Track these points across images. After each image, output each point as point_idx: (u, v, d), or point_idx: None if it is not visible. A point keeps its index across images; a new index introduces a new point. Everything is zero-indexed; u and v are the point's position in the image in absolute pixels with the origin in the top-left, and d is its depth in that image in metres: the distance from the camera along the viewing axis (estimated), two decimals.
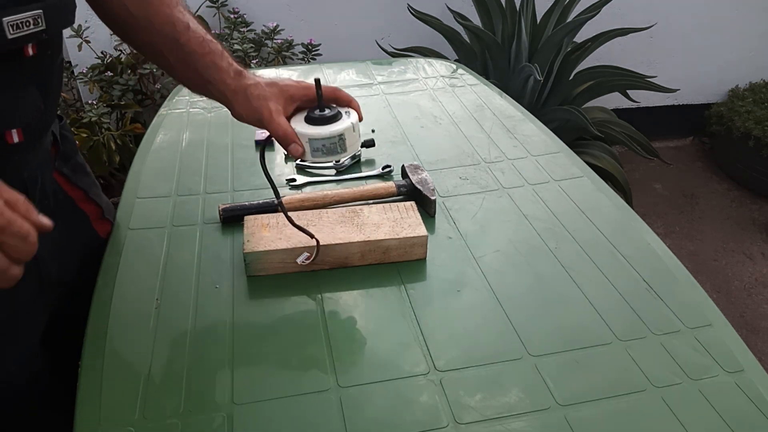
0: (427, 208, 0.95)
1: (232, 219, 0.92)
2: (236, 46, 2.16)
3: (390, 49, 2.52)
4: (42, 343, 0.81)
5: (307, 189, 1.03)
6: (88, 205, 0.91)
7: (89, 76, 2.15)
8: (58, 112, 0.85)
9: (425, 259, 0.87)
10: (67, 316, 0.81)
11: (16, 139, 0.69)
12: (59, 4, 0.69)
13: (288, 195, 0.96)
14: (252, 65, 2.16)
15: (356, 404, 0.66)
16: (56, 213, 0.81)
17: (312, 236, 0.81)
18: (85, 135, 2.01)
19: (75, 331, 0.76)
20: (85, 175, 0.93)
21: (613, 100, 2.66)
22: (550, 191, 1.02)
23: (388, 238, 0.84)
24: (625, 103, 2.70)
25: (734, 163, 2.82)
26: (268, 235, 0.84)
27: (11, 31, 0.62)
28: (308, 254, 0.82)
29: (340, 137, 0.75)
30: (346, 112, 0.77)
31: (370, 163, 1.10)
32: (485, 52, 2.38)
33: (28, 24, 0.64)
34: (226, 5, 2.36)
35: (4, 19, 0.61)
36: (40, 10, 0.64)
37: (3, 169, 0.71)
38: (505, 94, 1.37)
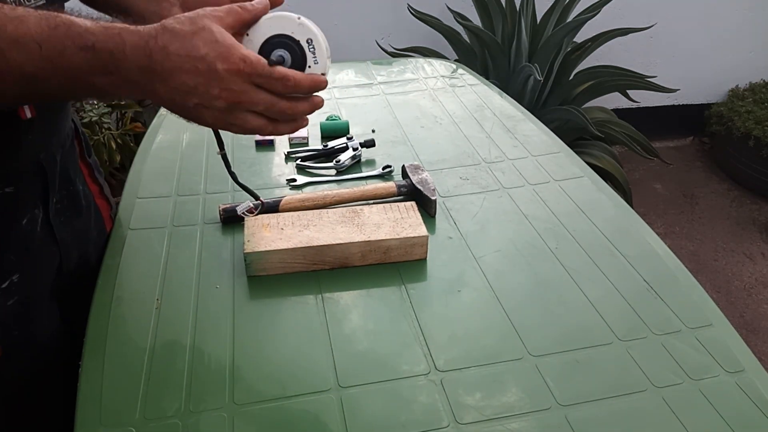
0: (427, 208, 0.95)
1: (233, 219, 0.92)
2: None
3: (390, 49, 2.52)
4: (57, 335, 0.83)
5: (308, 189, 1.03)
6: (102, 201, 0.94)
7: None
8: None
9: (426, 259, 0.87)
10: (79, 309, 0.81)
11: (28, 115, 0.70)
12: None
13: (288, 195, 0.96)
14: None
15: (356, 404, 0.66)
16: (80, 202, 0.84)
17: (257, 197, 0.87)
18: None
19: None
20: (99, 173, 0.96)
21: (613, 100, 2.66)
22: (551, 191, 1.02)
23: (388, 238, 0.84)
24: (625, 103, 2.71)
25: (734, 163, 2.83)
26: (269, 235, 0.84)
27: (27, 1, 0.64)
28: (251, 205, 0.85)
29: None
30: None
31: (371, 163, 1.10)
32: (485, 52, 2.38)
33: None
34: None
35: None
36: None
37: (18, 149, 0.73)
38: (505, 94, 1.37)
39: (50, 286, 0.81)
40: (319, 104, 0.65)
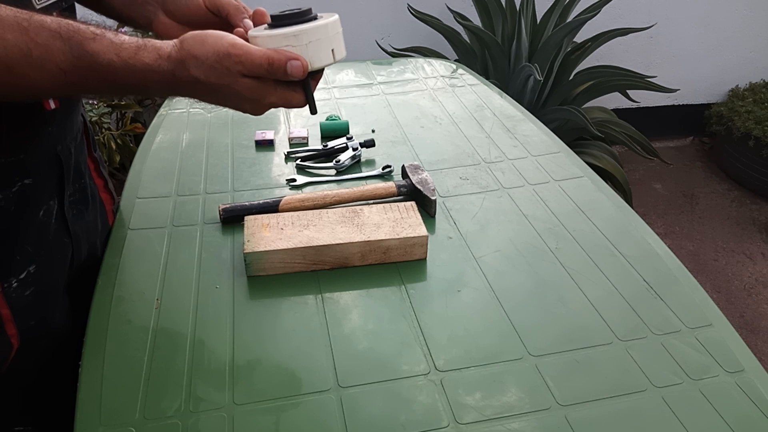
0: (427, 208, 0.95)
1: (233, 219, 0.92)
2: None
3: (390, 49, 2.52)
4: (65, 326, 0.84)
5: (308, 189, 1.03)
6: (106, 195, 0.95)
7: None
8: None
9: (425, 259, 0.87)
10: (86, 303, 0.82)
11: (52, 106, 0.72)
12: None
13: (288, 195, 0.96)
14: None
15: (356, 404, 0.66)
16: (88, 195, 0.85)
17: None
18: None
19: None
20: (104, 168, 0.97)
21: (613, 100, 2.66)
22: (551, 191, 1.02)
23: (388, 238, 0.84)
24: (625, 103, 2.71)
25: (734, 163, 2.83)
26: (269, 235, 0.84)
27: (38, 1, 0.66)
28: None
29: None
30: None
31: (371, 163, 1.10)
32: (485, 52, 2.38)
33: None
34: None
35: None
36: None
37: (38, 139, 0.74)
38: (505, 94, 1.37)
39: (63, 278, 0.82)
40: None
